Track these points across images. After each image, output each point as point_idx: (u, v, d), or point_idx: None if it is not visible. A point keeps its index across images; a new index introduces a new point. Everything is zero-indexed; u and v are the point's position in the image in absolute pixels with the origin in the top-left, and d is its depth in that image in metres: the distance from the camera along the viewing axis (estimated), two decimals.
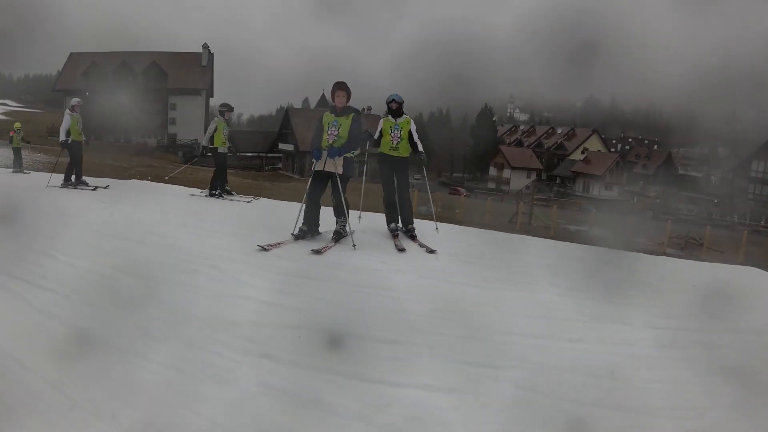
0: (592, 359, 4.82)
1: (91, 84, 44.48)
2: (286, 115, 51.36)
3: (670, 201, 47.17)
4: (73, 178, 11.92)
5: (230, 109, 12.40)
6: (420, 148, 8.16)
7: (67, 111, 11.89)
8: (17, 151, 17.72)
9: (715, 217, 43.53)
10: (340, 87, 7.53)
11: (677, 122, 50.47)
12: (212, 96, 49.94)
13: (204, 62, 49.37)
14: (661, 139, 55.00)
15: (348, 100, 7.57)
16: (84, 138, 12.15)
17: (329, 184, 7.62)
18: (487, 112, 53.15)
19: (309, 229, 7.61)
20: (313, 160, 7.54)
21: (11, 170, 16.70)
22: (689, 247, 27.26)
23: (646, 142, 55.60)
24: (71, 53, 46.95)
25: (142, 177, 18.65)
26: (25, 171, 16.89)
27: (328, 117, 7.58)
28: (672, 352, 5.18)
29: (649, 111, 54.92)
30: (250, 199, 12.16)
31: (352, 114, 7.54)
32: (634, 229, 27.71)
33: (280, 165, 50.33)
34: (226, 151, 12.11)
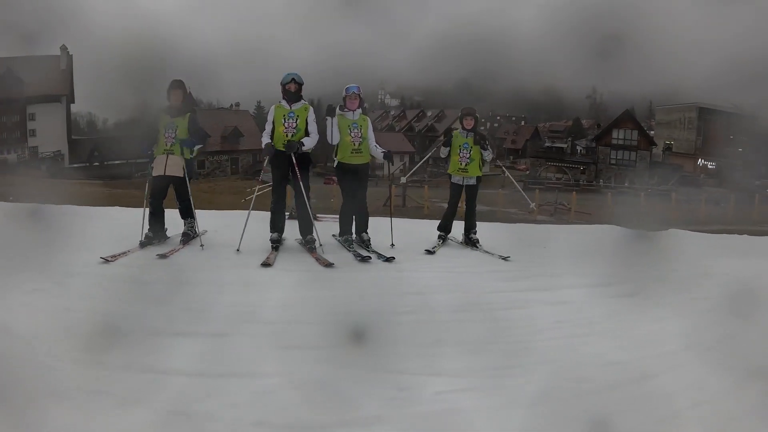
0: None
1: None
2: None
3: (539, 172, 49.04)
4: None
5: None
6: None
7: None
8: None
9: (583, 183, 45.59)
10: (176, 86, 7.32)
11: (543, 99, 53.10)
12: (73, 102, 45.30)
13: (63, 65, 44.62)
14: (528, 116, 57.21)
15: (184, 98, 7.34)
16: None
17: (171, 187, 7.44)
18: None
19: (155, 234, 7.34)
20: (151, 166, 7.30)
21: None
22: (558, 212, 27.96)
23: (513, 119, 57.21)
24: None
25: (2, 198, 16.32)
26: None
27: (164, 119, 7.34)
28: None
29: (515, 90, 56.30)
30: None
31: (188, 114, 7.36)
32: (507, 201, 27.78)
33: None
34: None
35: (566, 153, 53.54)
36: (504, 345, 4.98)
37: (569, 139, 54.90)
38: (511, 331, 5.25)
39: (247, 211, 7.65)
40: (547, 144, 55.02)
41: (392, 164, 8.05)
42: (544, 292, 6.38)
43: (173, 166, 7.28)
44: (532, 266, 7.44)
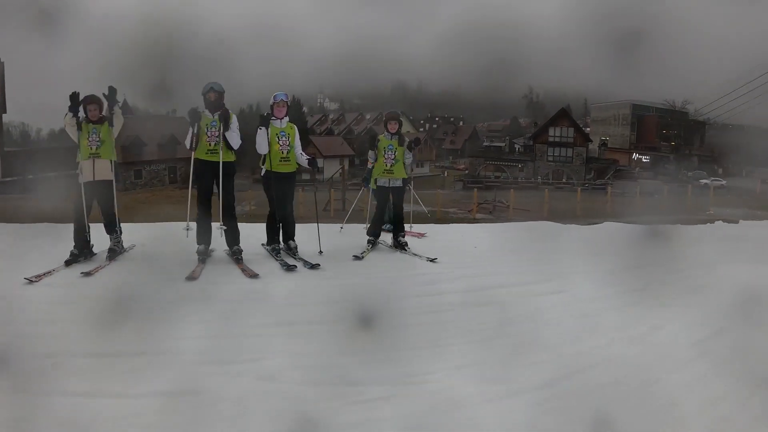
0: None
1: None
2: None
3: (478, 171, 49.71)
4: None
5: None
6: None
7: None
8: None
9: (521, 181, 46.30)
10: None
11: (480, 99, 53.94)
12: (5, 112, 42.73)
13: None
14: (466, 116, 58.36)
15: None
16: None
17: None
18: (295, 104, 51.83)
19: (81, 251, 7.07)
20: (78, 172, 7.06)
21: None
22: (497, 210, 28.18)
23: (452, 119, 57.80)
24: None
25: None
26: None
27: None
28: None
29: (455, 91, 57.13)
30: None
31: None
32: (446, 201, 27.77)
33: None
34: None
35: (504, 152, 54.69)
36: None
37: (507, 138, 56.16)
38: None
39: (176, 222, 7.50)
40: (485, 143, 56.31)
41: (317, 170, 7.79)
42: (472, 293, 6.34)
43: (102, 170, 7.03)
44: (463, 267, 7.41)
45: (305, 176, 49.91)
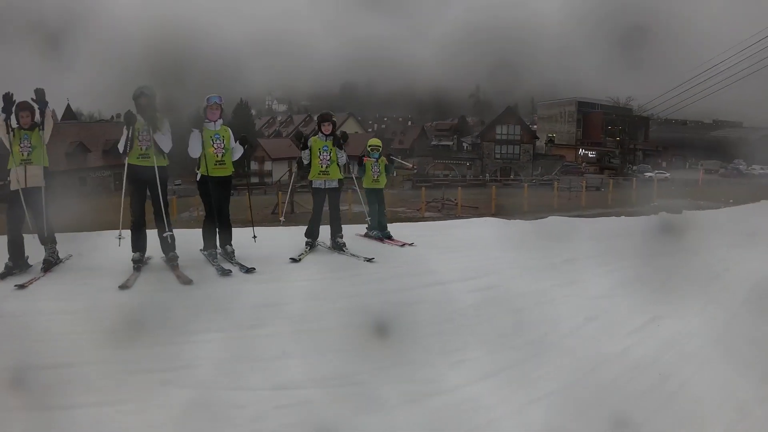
0: None
1: None
2: None
3: (427, 169, 49.93)
4: None
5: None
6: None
7: None
8: None
9: (469, 178, 46.90)
10: None
11: (428, 99, 54.11)
12: None
13: None
14: (415, 116, 58.57)
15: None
16: None
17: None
18: (243, 107, 51.29)
19: (15, 263, 6.67)
20: (8, 180, 6.70)
21: None
22: (446, 207, 28.28)
23: (400, 119, 58.05)
24: None
25: None
26: None
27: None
28: None
29: (402, 93, 57.57)
30: None
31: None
32: (395, 200, 27.76)
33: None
34: None
35: (453, 150, 55.12)
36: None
37: (455, 136, 56.70)
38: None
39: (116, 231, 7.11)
40: (434, 142, 56.66)
41: (249, 148, 7.53)
42: (401, 292, 6.32)
43: (33, 177, 6.70)
44: (402, 265, 7.31)
45: (253, 179, 49.60)
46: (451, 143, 56.08)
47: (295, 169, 46.85)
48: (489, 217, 13.22)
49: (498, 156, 50.89)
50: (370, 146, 9.17)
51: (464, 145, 55.40)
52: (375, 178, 9.04)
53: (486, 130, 52.61)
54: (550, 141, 54.77)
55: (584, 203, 31.04)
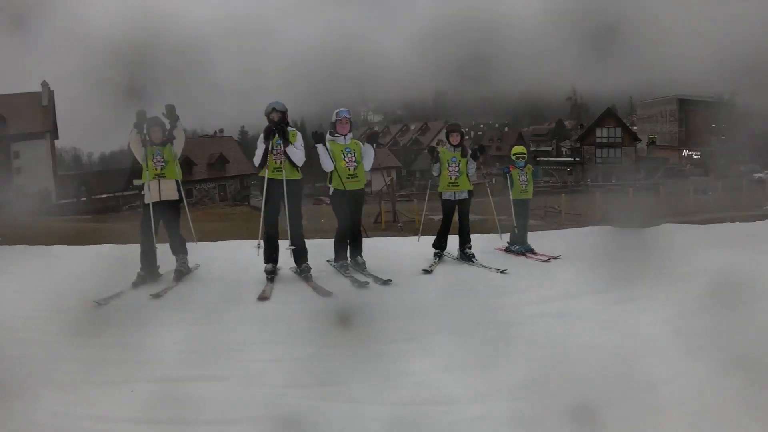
0: None
1: None
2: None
3: None
4: None
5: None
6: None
7: None
8: None
9: (570, 184, 45.66)
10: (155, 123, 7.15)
11: (522, 105, 53.80)
12: (57, 137, 44.79)
13: (45, 101, 44.00)
14: (510, 122, 57.73)
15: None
16: None
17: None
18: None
19: (147, 273, 7.08)
20: (143, 193, 7.15)
21: None
22: (549, 215, 27.97)
23: (496, 126, 57.35)
24: None
25: None
26: None
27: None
28: None
29: (495, 98, 56.83)
30: None
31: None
32: (497, 209, 27.73)
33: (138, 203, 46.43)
34: None
35: (552, 155, 54.03)
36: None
37: (553, 141, 55.33)
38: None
39: (238, 241, 7.51)
40: (531, 148, 55.17)
41: (376, 143, 7.87)
42: (549, 302, 6.31)
43: (168, 190, 7.09)
44: (531, 277, 7.43)
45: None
46: (549, 148, 54.76)
47: (393, 177, 47.61)
48: (598, 225, 12.29)
49: (599, 160, 49.38)
50: (514, 154, 9.03)
51: (563, 149, 54.06)
52: (524, 188, 8.83)
53: (585, 133, 51.20)
54: (652, 142, 52.53)
55: (692, 208, 29.91)
